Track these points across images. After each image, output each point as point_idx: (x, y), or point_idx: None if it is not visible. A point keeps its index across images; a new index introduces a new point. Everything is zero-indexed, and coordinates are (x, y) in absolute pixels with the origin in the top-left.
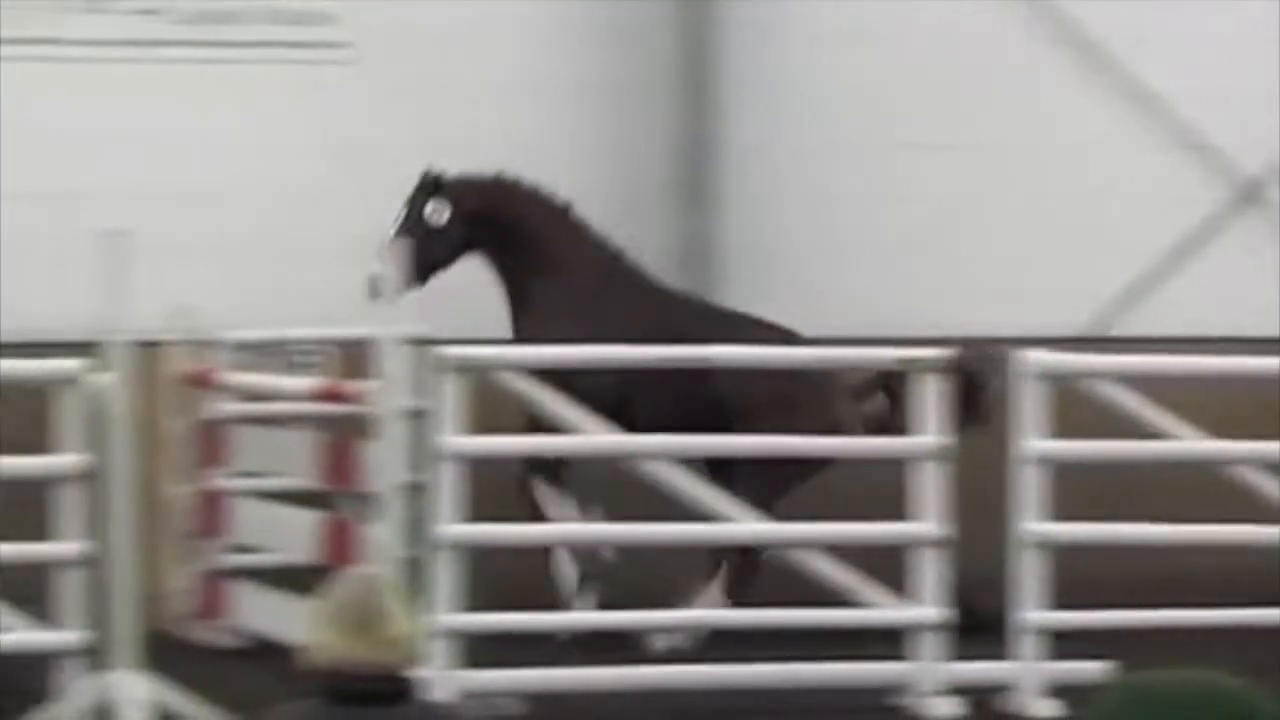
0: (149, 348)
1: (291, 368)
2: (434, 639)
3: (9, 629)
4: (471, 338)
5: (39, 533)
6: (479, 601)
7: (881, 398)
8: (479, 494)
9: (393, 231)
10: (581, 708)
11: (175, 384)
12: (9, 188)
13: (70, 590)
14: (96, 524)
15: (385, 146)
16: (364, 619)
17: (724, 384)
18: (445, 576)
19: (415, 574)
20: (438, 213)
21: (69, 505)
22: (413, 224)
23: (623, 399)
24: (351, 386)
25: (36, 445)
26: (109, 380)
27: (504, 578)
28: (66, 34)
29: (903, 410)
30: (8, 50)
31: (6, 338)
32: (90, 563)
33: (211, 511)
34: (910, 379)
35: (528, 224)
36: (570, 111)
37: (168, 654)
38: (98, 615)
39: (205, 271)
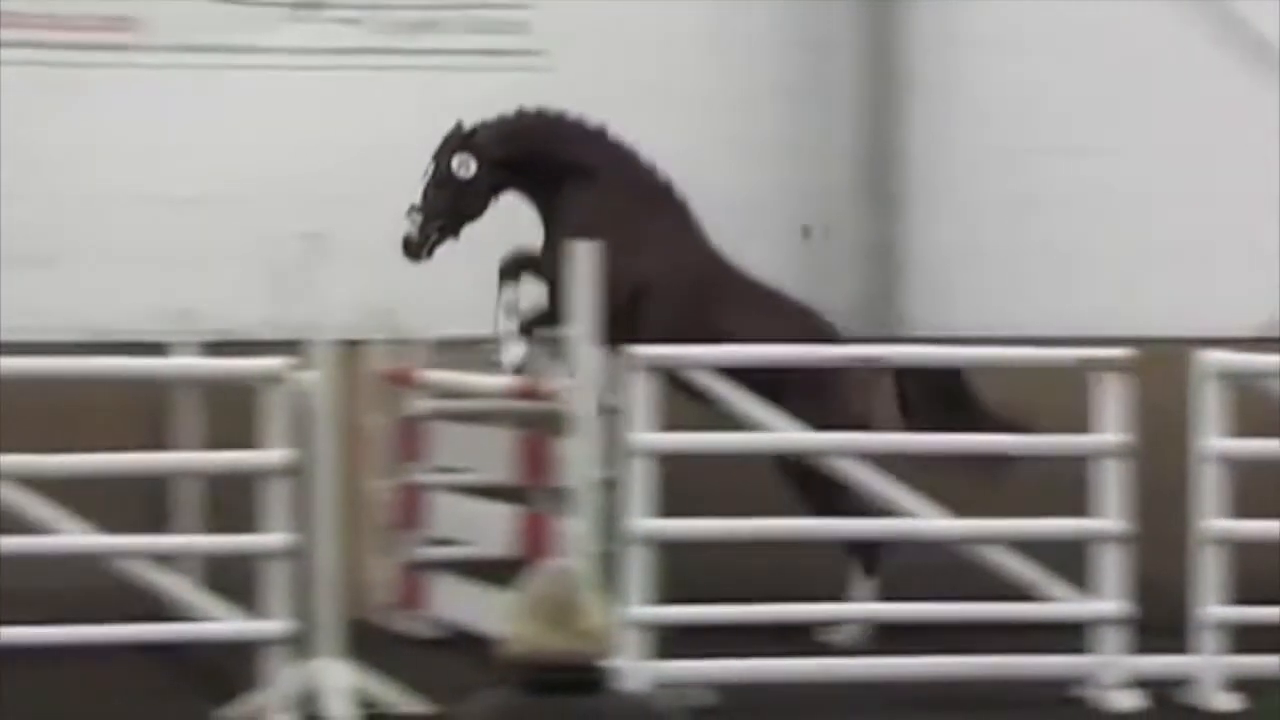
0: (350, 347)
1: (489, 366)
2: (626, 630)
3: (218, 618)
4: None
5: (247, 525)
6: (670, 594)
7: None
8: (669, 489)
9: (421, 188)
10: (771, 698)
11: (376, 382)
12: (220, 191)
13: (276, 581)
14: (301, 517)
15: None
16: (560, 611)
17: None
18: (637, 570)
19: (608, 567)
20: (464, 166)
21: (275, 499)
22: (442, 179)
23: None
24: (547, 385)
25: (245, 441)
26: (313, 378)
27: (695, 571)
28: (272, 42)
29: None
30: (216, 58)
31: (216, 338)
32: (295, 554)
33: (411, 505)
34: (1089, 378)
35: (556, 154)
36: (757, 116)
37: (369, 643)
38: (302, 605)
39: (405, 273)
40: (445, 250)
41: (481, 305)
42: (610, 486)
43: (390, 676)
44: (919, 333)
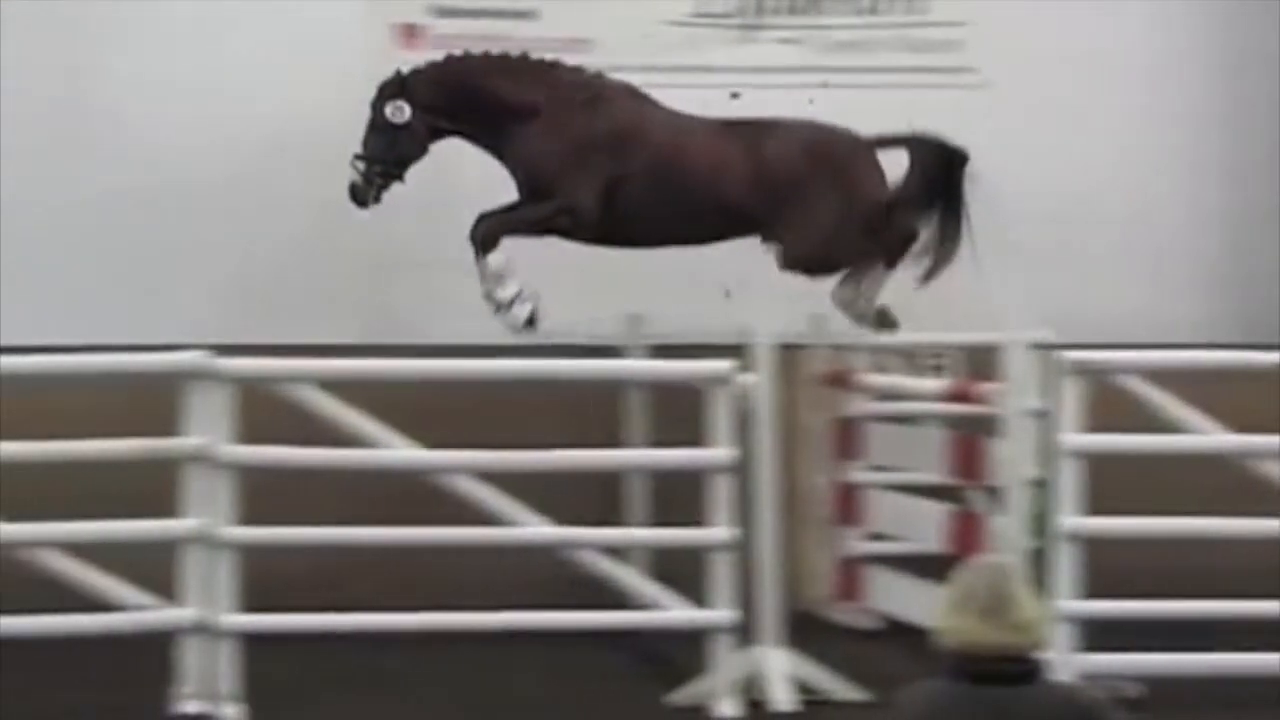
0: (790, 350)
1: (923, 370)
2: (1056, 624)
3: (666, 607)
4: (1090, 342)
5: (692, 519)
6: (1098, 589)
7: None
8: (1096, 489)
9: (362, 135)
10: (1199, 692)
11: (815, 384)
12: None
13: (720, 572)
14: (744, 512)
15: (1011, 165)
16: (993, 604)
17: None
18: (1066, 566)
19: (1038, 563)
20: (398, 111)
21: (719, 494)
22: (379, 124)
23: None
24: (979, 388)
25: (691, 439)
26: (755, 380)
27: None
28: (721, 61)
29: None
30: (668, 77)
31: (665, 340)
32: (738, 547)
33: (849, 502)
34: None
35: (491, 96)
36: (1183, 135)
37: (809, 633)
38: (745, 596)
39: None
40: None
41: (911, 311)
42: (1041, 486)
43: (828, 665)
44: None
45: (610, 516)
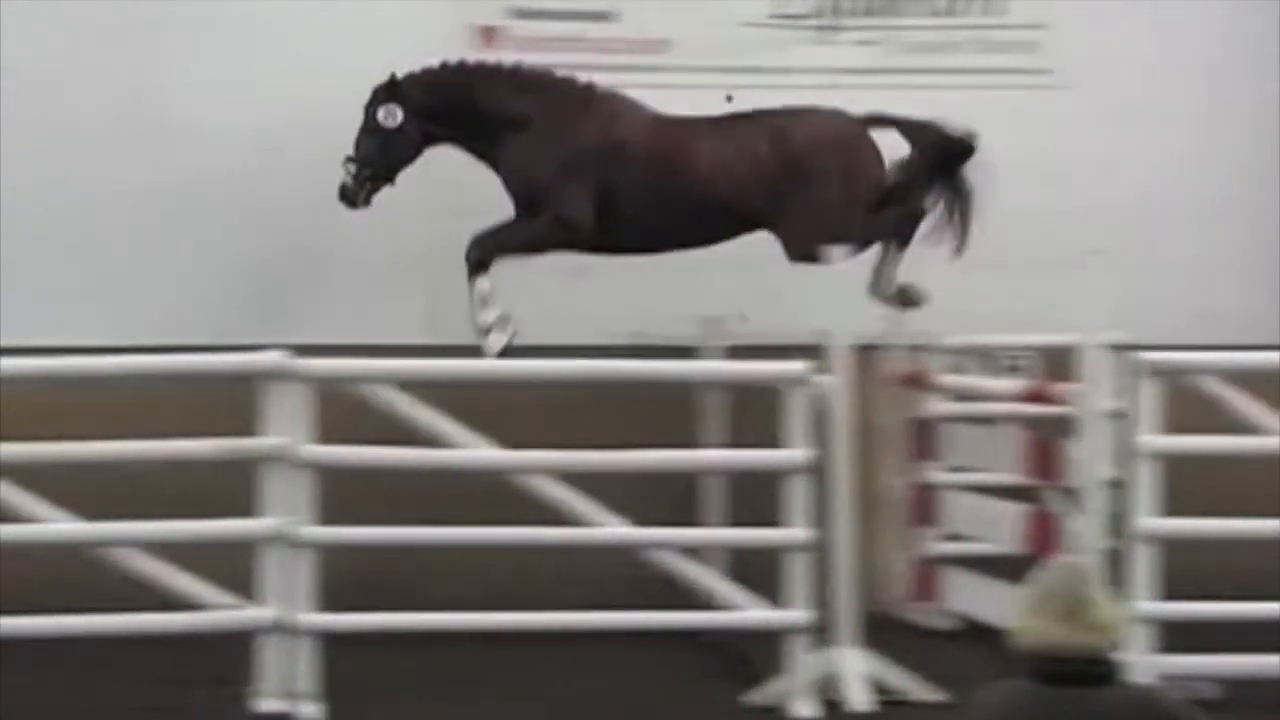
0: (867, 351)
1: (1000, 371)
2: (1133, 625)
3: (743, 607)
4: (1166, 343)
5: (769, 520)
6: (1174, 590)
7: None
8: (1173, 490)
9: (356, 137)
10: (1278, 693)
11: (891, 384)
12: None
13: (797, 573)
14: (820, 512)
15: (1088, 166)
16: (1070, 605)
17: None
18: (1143, 567)
19: (1115, 564)
20: (390, 116)
21: (796, 495)
22: (371, 128)
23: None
24: (1056, 389)
25: (767, 440)
26: (831, 381)
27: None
28: (796, 62)
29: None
30: (743, 78)
31: (742, 341)
32: (815, 548)
33: (925, 502)
34: None
35: (479, 101)
36: (1261, 134)
37: (885, 633)
38: (822, 596)
39: (921, 280)
40: (964, 261)
41: (987, 313)
42: (1117, 486)
43: (905, 665)
44: None
45: (687, 517)
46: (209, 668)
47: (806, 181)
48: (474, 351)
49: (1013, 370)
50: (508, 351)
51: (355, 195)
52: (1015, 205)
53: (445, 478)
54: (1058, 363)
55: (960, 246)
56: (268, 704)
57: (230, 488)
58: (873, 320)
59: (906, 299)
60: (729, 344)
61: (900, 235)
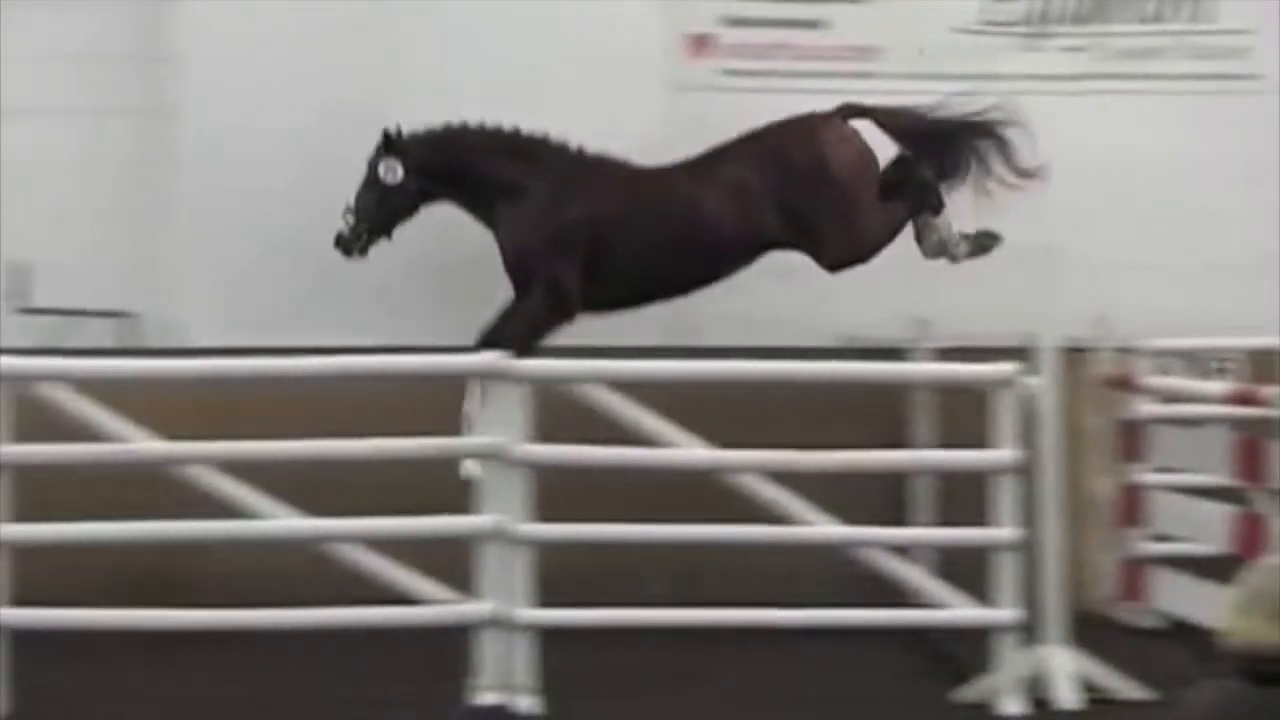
0: (1074, 353)
1: (1208, 373)
2: None
3: (952, 606)
4: None
5: (977, 519)
6: None
7: None
8: None
9: (358, 189)
10: None
11: (1099, 386)
12: None
13: (1006, 571)
14: (1028, 512)
15: None
16: (1278, 606)
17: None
18: None
19: None
20: (390, 170)
21: (1004, 495)
22: (371, 181)
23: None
24: (1265, 391)
25: (976, 441)
26: (1039, 382)
27: None
28: (1006, 69)
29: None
30: (951, 85)
31: (951, 343)
32: (1023, 547)
33: (1132, 503)
34: None
35: (480, 171)
36: None
37: (1093, 632)
38: (1030, 595)
39: (1127, 283)
40: (1164, 262)
41: (1198, 316)
42: None
43: (1112, 664)
44: None
45: (897, 516)
46: (428, 661)
47: (809, 198)
48: (683, 353)
49: (1220, 373)
50: (721, 353)
51: (351, 246)
52: (1215, 207)
53: (653, 476)
54: (1262, 365)
55: (984, 196)
56: (486, 697)
57: (428, 485)
58: (1080, 323)
59: (982, 244)
60: (938, 346)
61: (927, 205)
